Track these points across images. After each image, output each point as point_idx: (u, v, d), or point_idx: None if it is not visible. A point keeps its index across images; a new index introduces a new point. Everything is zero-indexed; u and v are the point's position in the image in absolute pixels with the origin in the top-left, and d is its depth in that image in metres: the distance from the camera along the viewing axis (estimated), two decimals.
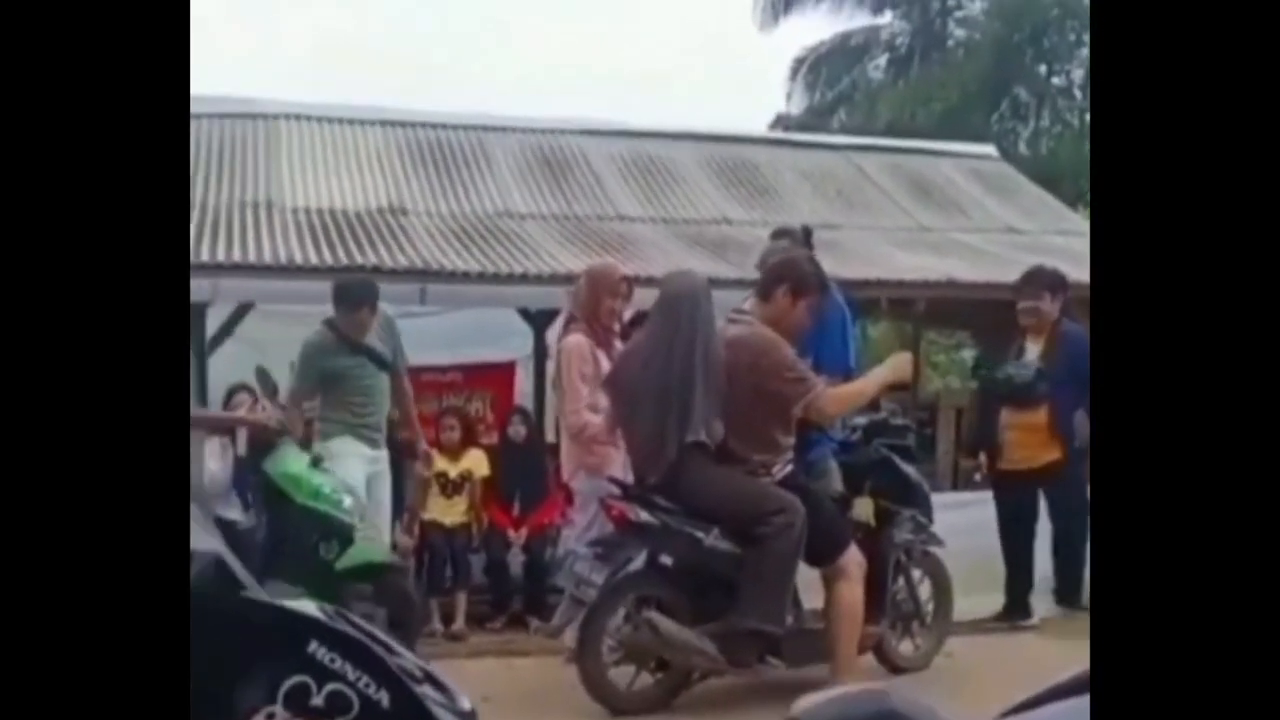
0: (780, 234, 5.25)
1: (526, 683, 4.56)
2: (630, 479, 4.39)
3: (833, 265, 7.31)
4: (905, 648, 4.87)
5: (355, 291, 5.07)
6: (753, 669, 4.22)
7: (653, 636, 4.03)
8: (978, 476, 6.29)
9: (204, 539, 2.17)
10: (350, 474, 4.84)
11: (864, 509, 4.57)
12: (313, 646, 2.11)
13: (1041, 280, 5.83)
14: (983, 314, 9.43)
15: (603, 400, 4.50)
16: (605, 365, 4.62)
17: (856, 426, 4.76)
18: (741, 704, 4.30)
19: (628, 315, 5.13)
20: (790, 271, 4.36)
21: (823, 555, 4.21)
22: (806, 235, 5.21)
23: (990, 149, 10.90)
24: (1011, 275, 7.69)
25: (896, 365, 4.55)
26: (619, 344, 4.78)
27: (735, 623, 4.06)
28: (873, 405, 4.94)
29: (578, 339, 4.67)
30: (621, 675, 4.19)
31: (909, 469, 4.81)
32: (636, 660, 4.18)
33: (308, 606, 2.28)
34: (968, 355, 12.52)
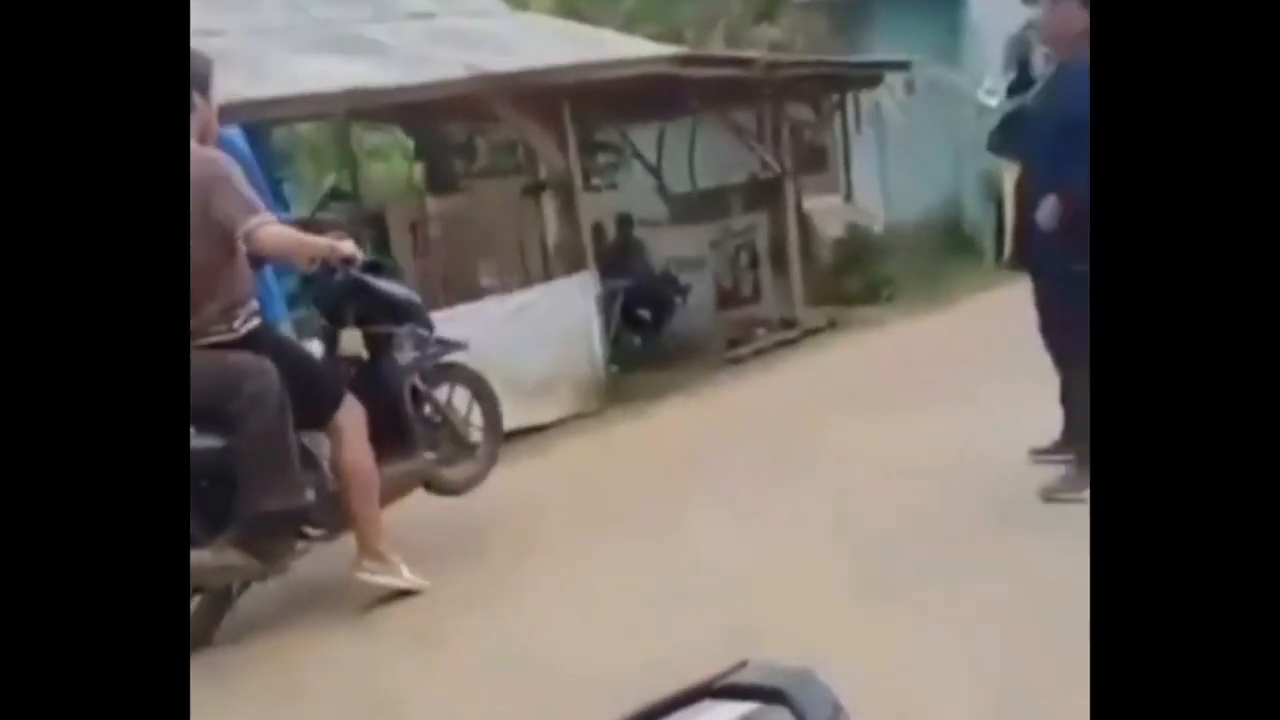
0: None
1: None
2: None
3: (228, 85, 6.02)
4: (458, 472, 4.53)
5: None
6: (293, 555, 3.82)
7: None
8: None
9: None
10: None
11: (352, 342, 4.18)
12: None
13: None
14: (414, 112, 8.60)
15: None
16: None
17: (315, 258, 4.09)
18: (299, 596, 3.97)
19: None
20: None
21: (314, 417, 3.77)
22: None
23: None
24: (425, 74, 6.92)
25: (345, 246, 3.85)
26: None
27: (250, 516, 3.59)
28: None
29: None
30: None
31: (391, 285, 4.31)
32: None
33: None
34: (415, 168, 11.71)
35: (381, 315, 4.22)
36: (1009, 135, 4.12)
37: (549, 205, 8.17)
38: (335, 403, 3.81)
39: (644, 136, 11.50)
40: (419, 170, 11.31)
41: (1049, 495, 3.87)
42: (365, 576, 3.80)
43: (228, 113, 5.42)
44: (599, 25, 10.18)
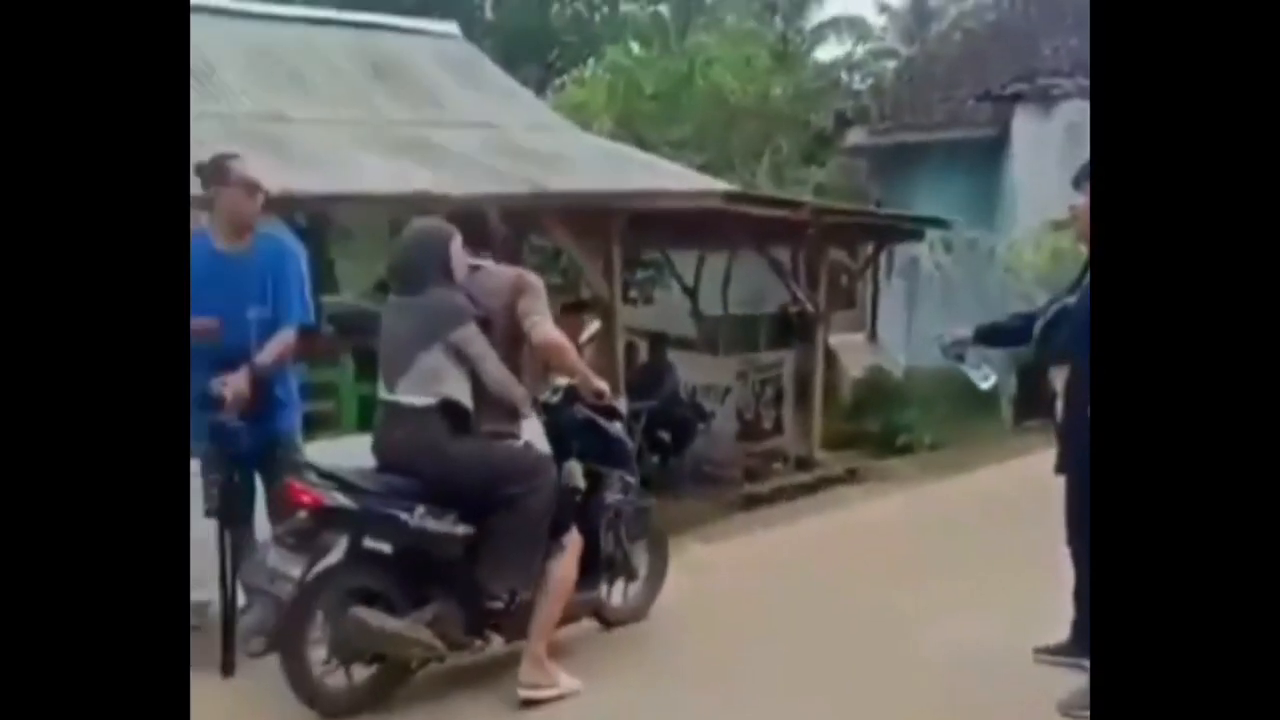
0: None
1: (234, 688, 4.08)
2: None
3: (287, 174, 6.18)
4: (617, 600, 4.82)
5: None
6: (471, 649, 4.11)
7: (360, 633, 3.77)
8: None
9: None
10: None
11: (575, 474, 4.38)
12: None
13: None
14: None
15: None
16: None
17: (557, 388, 4.49)
18: (461, 682, 4.22)
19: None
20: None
21: (555, 529, 4.11)
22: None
23: (453, 27, 9.97)
24: (486, 185, 7.09)
25: (602, 384, 4.33)
26: None
27: (482, 584, 3.97)
28: None
29: None
30: (332, 674, 3.89)
31: (613, 428, 4.62)
32: (347, 660, 3.89)
33: None
34: None
35: (599, 456, 4.51)
36: (1052, 341, 4.17)
37: (588, 324, 8.31)
38: (570, 521, 4.19)
39: (684, 259, 11.73)
40: None
41: (1067, 711, 3.75)
42: (526, 693, 4.00)
43: (284, 204, 5.62)
44: (654, 150, 10.47)
